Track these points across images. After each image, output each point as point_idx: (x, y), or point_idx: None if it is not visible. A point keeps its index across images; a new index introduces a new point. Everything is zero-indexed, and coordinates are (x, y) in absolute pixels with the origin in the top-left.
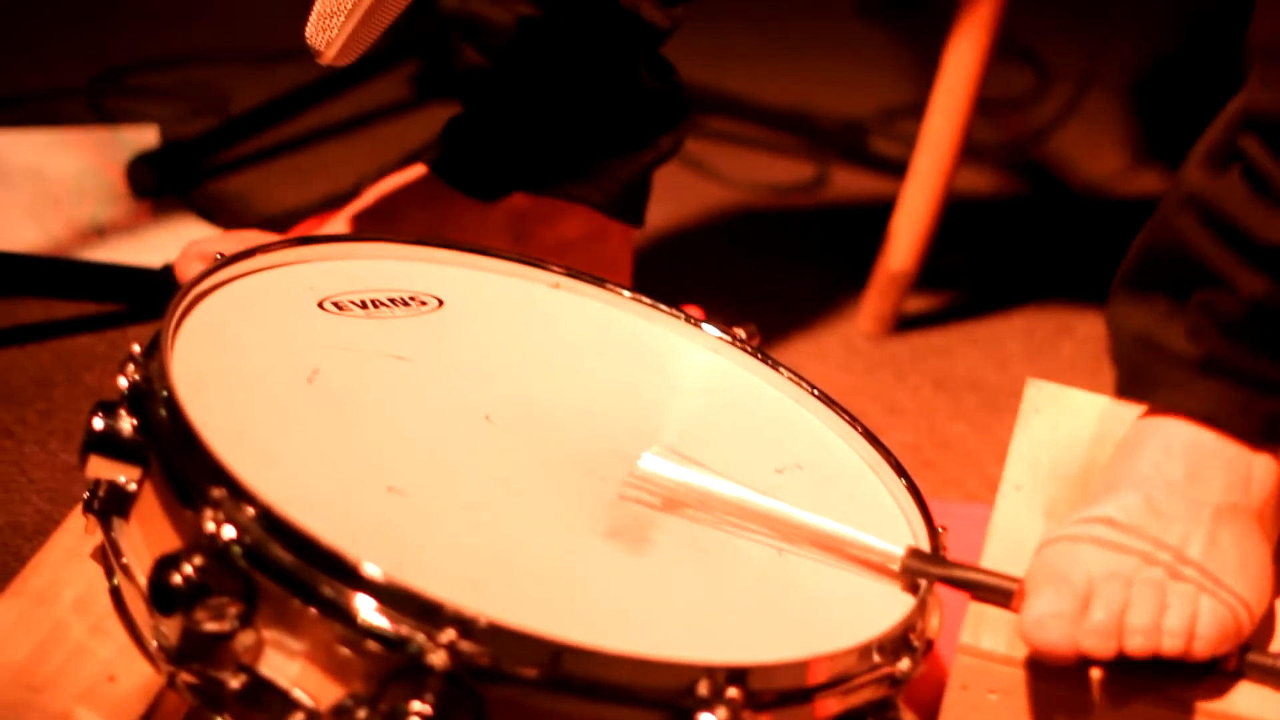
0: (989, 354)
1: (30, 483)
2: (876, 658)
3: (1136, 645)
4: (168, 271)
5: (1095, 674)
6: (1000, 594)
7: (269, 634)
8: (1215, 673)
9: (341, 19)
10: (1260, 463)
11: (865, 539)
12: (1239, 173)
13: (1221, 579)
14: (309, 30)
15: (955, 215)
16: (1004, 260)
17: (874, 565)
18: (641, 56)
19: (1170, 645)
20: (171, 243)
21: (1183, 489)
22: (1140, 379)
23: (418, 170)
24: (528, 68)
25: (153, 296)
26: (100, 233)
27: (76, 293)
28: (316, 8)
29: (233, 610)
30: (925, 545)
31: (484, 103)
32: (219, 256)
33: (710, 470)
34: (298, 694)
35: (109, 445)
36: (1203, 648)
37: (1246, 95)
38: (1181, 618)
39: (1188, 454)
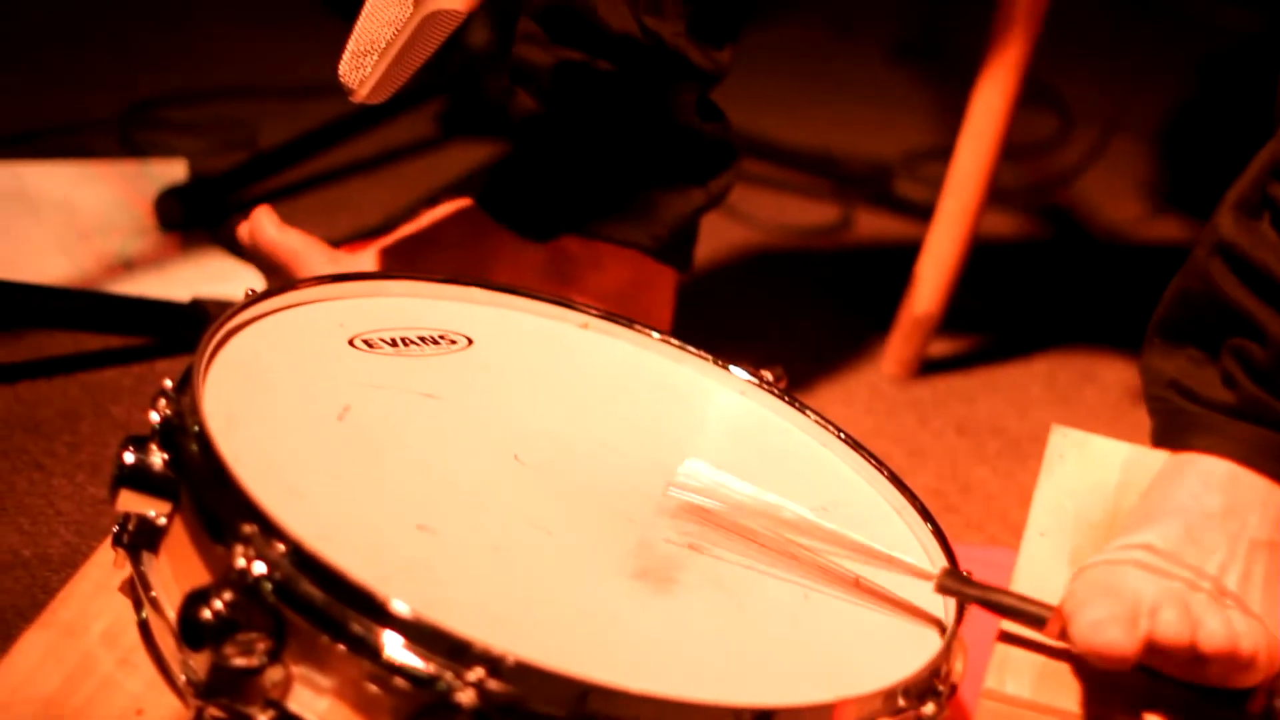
0: (1011, 399)
1: (58, 515)
2: (902, 701)
3: (1217, 640)
4: (195, 305)
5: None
6: (1034, 618)
7: (297, 670)
8: (1242, 714)
9: (375, 58)
10: None
11: (902, 557)
12: (1269, 221)
13: (1255, 613)
14: (342, 68)
15: (978, 259)
16: (1026, 305)
17: (903, 604)
18: (693, 101)
19: (1247, 644)
20: (199, 277)
21: (1220, 520)
22: (1175, 426)
23: (461, 203)
24: (579, 111)
25: (180, 330)
26: (128, 266)
27: (104, 326)
28: (350, 46)
29: (262, 646)
30: (950, 597)
31: (537, 145)
32: (250, 293)
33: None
34: None
35: (140, 479)
36: (1265, 662)
37: (1277, 143)
38: (1243, 622)
39: (1225, 487)
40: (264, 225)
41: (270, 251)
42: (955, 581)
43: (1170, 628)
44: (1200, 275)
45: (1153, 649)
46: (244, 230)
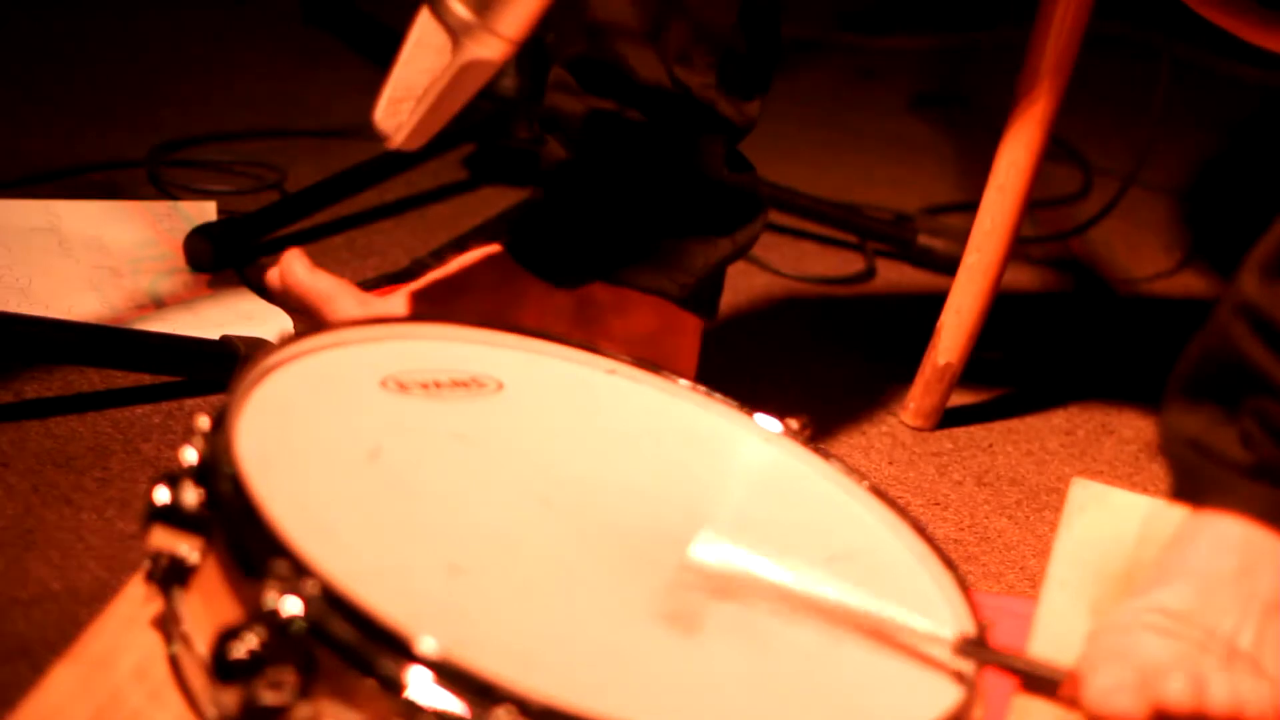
0: (1030, 451)
1: (87, 549)
2: None
3: (1222, 699)
4: (224, 344)
5: None
6: (1048, 683)
7: (326, 707)
8: None
9: (411, 105)
10: None
11: (916, 624)
12: None
13: (1268, 674)
14: (378, 115)
15: (998, 310)
16: (1046, 358)
17: (924, 655)
18: (721, 152)
19: (1254, 709)
20: (227, 317)
21: (1234, 582)
22: (1193, 483)
23: (491, 249)
24: (608, 160)
25: (210, 368)
26: (158, 304)
27: (134, 363)
28: (386, 93)
29: (291, 682)
30: None
31: (566, 192)
32: (285, 334)
33: (762, 557)
34: None
35: (172, 516)
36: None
37: None
38: (1251, 687)
39: (1240, 549)
40: (295, 268)
41: (301, 294)
42: (972, 647)
43: (1177, 693)
44: (1221, 334)
45: (1161, 715)
46: (274, 274)
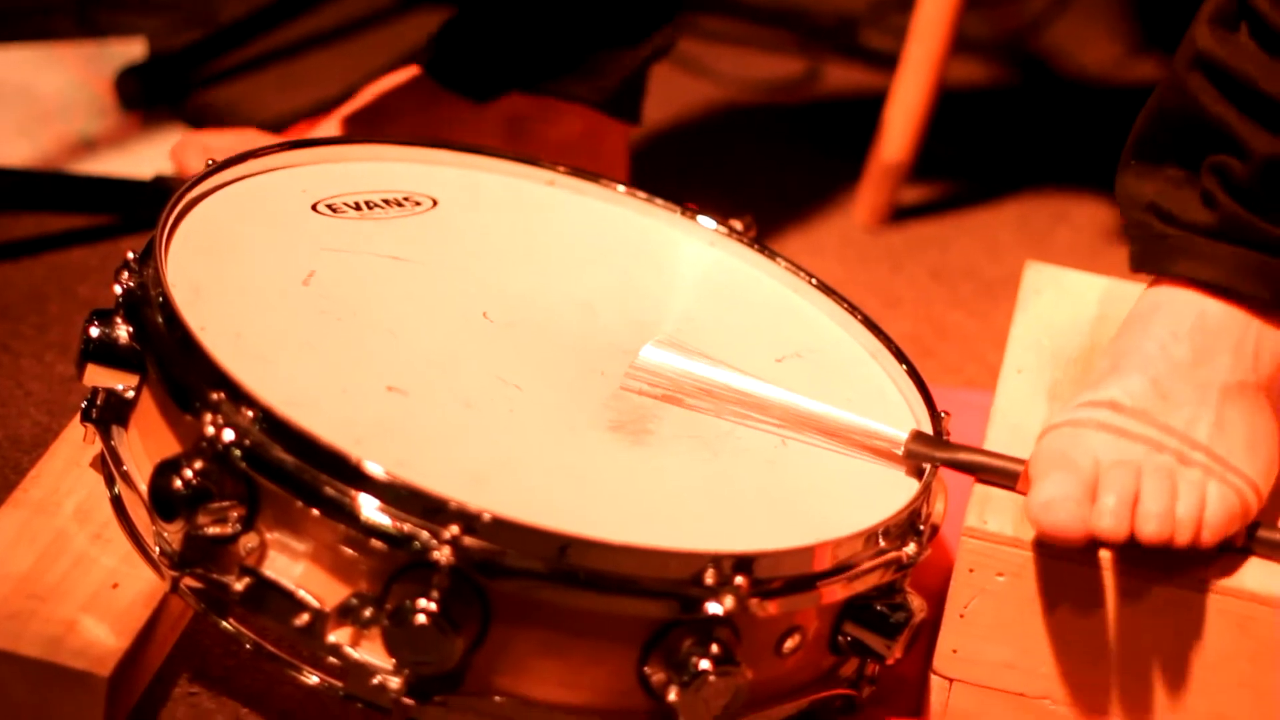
0: (985, 243)
1: (27, 395)
2: (882, 543)
3: (1150, 531)
4: (158, 182)
5: (1103, 554)
6: (1005, 476)
7: (272, 536)
8: (1223, 551)
9: None
10: (1269, 336)
11: (868, 424)
12: (1247, 31)
13: (1229, 460)
14: None
15: (949, 106)
16: (998, 150)
17: (878, 450)
18: None
19: (1181, 536)
20: (161, 155)
21: (1189, 371)
22: (1153, 250)
23: (410, 72)
24: None
25: (143, 207)
26: (90, 146)
27: (68, 205)
28: None
29: (234, 513)
30: (929, 430)
31: (480, 6)
32: (211, 163)
33: (711, 360)
34: (302, 595)
35: (106, 353)
36: (1210, 536)
37: None
38: (1191, 506)
39: (1195, 334)
40: (188, 158)
41: None
42: (922, 446)
43: (1105, 521)
44: (1178, 90)
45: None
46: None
